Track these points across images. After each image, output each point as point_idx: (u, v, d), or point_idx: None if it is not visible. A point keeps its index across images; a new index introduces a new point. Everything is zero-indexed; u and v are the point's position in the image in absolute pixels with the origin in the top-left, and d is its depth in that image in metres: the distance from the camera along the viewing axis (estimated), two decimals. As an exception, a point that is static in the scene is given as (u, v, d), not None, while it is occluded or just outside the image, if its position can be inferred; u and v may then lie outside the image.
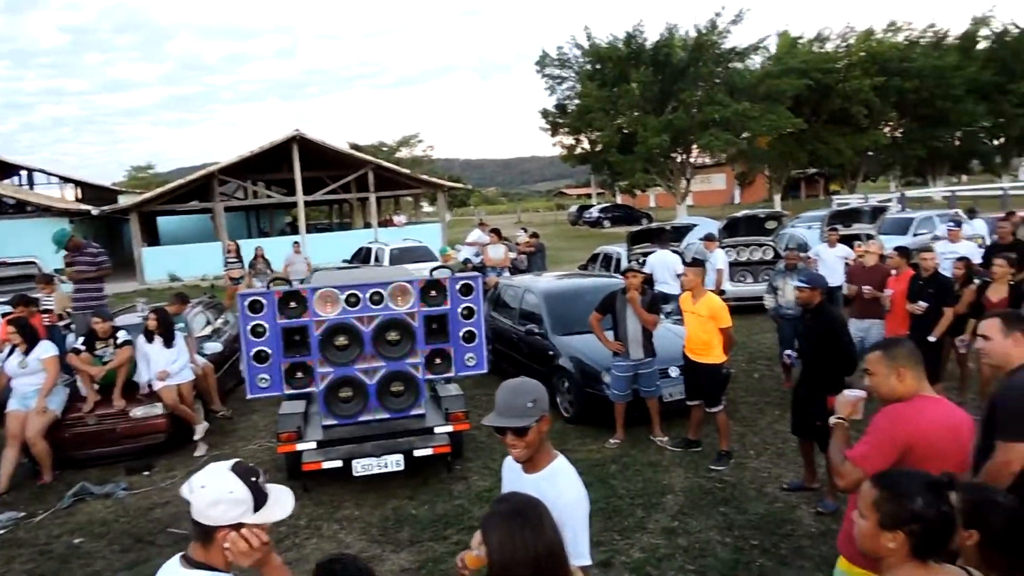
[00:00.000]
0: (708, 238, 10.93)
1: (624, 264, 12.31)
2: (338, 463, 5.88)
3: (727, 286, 12.00)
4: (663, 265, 10.48)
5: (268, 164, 27.01)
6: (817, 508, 5.35)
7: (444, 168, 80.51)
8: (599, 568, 4.69)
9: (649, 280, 10.83)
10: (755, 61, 33.91)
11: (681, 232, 12.92)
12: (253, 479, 1.86)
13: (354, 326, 6.00)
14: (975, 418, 2.94)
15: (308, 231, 27.97)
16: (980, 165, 47.42)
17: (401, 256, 15.65)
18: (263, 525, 1.85)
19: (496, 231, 12.30)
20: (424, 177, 29.69)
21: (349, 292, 5.99)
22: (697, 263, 6.59)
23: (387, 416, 6.21)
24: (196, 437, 7.44)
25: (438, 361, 6.33)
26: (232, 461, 1.92)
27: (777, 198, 39.40)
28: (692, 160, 34.59)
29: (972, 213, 14.02)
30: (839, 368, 5.15)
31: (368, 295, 6.01)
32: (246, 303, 5.89)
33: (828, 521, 5.14)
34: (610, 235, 31.19)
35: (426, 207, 46.97)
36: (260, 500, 1.85)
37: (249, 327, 5.90)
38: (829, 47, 38.05)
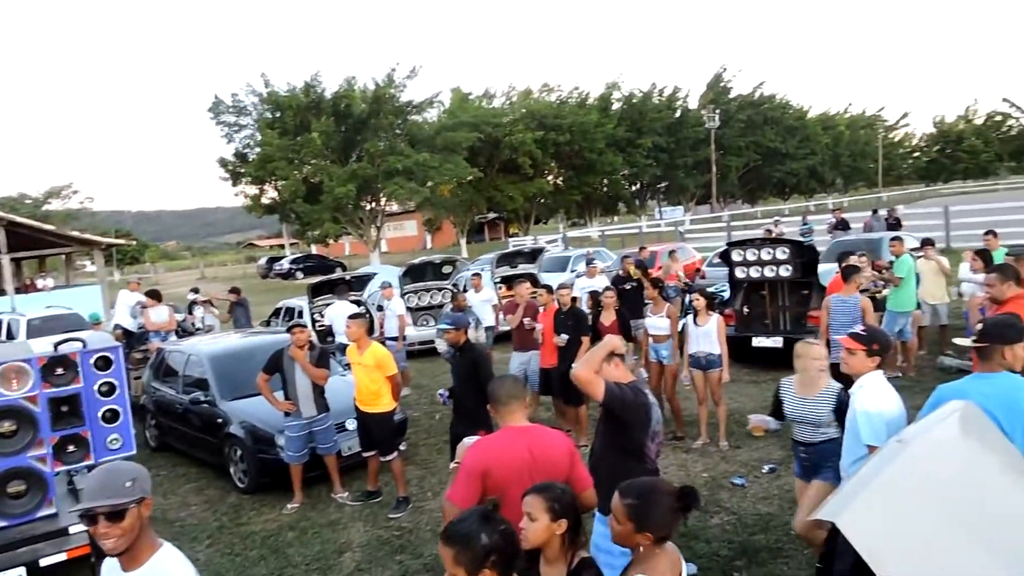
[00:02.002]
0: (385, 286, 11.17)
1: (307, 317, 12.03)
2: (-71, 593, 4.75)
3: (409, 331, 12.41)
4: (342, 316, 10.39)
5: None
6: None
7: (111, 221, 71.75)
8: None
9: (330, 331, 10.76)
10: (431, 114, 36.10)
11: (363, 282, 13.02)
12: None
13: (-52, 420, 4.94)
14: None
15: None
16: (625, 207, 55.95)
17: (43, 327, 13.35)
18: None
19: (154, 292, 11.15)
20: (73, 234, 25.88)
21: (-60, 380, 4.93)
22: (360, 316, 6.69)
23: (3, 524, 5.18)
24: None
25: (72, 448, 5.47)
26: None
27: (463, 242, 42.05)
28: (381, 208, 35.38)
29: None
30: (484, 402, 5.56)
31: (-33, 381, 5.00)
32: None
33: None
34: (302, 287, 30.32)
35: (89, 266, 41.18)
36: None
37: None
38: (496, 103, 42.11)
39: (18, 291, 24.05)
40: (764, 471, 6.44)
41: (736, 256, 10.11)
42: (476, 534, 2.11)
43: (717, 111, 47.22)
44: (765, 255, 9.84)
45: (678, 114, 50.91)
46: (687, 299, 11.34)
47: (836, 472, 3.95)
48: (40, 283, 27.62)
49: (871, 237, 14.89)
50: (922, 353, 9.64)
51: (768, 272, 9.85)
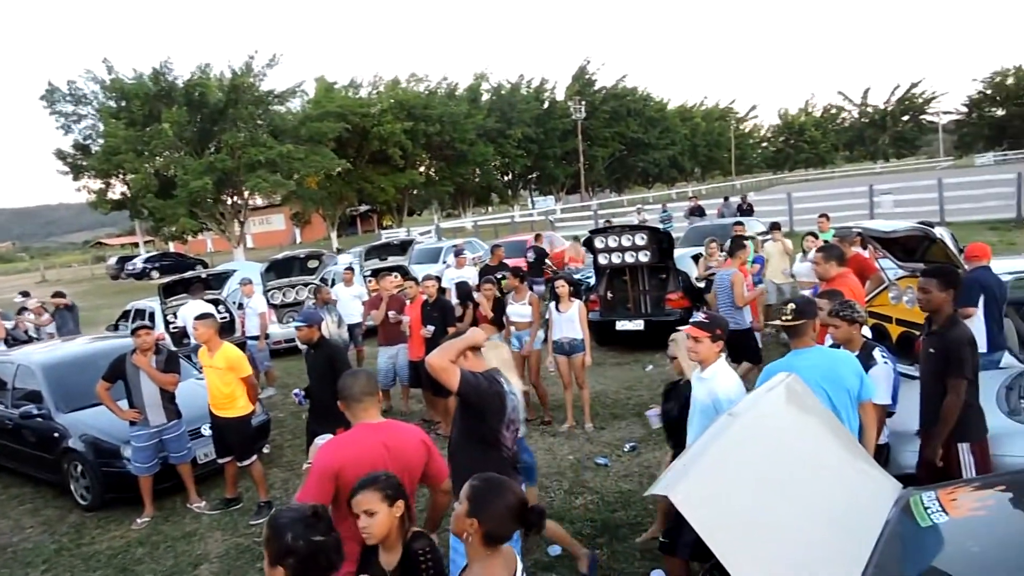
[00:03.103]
0: (244, 283, 10.66)
1: (159, 319, 11.28)
2: None
3: (274, 329, 11.93)
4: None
5: None
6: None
7: (-71, 220, 63.97)
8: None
9: (185, 333, 10.13)
10: (295, 104, 34.76)
11: (221, 279, 12.35)
12: None
13: None
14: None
15: None
16: (497, 197, 56.55)
17: None
18: None
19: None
20: None
21: None
22: (207, 316, 6.34)
23: None
24: None
25: None
26: None
27: (334, 235, 40.90)
28: (245, 202, 33.71)
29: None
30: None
31: None
32: None
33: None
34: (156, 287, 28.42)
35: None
36: None
37: None
38: (363, 93, 41.14)
39: None
40: (626, 450, 6.70)
41: (599, 243, 10.44)
42: (285, 530, 2.08)
43: (583, 103, 48.59)
44: (625, 242, 10.22)
45: (546, 105, 52.05)
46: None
47: None
48: None
49: (723, 223, 15.86)
50: (768, 331, 10.37)
51: (628, 258, 10.24)
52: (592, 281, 11.25)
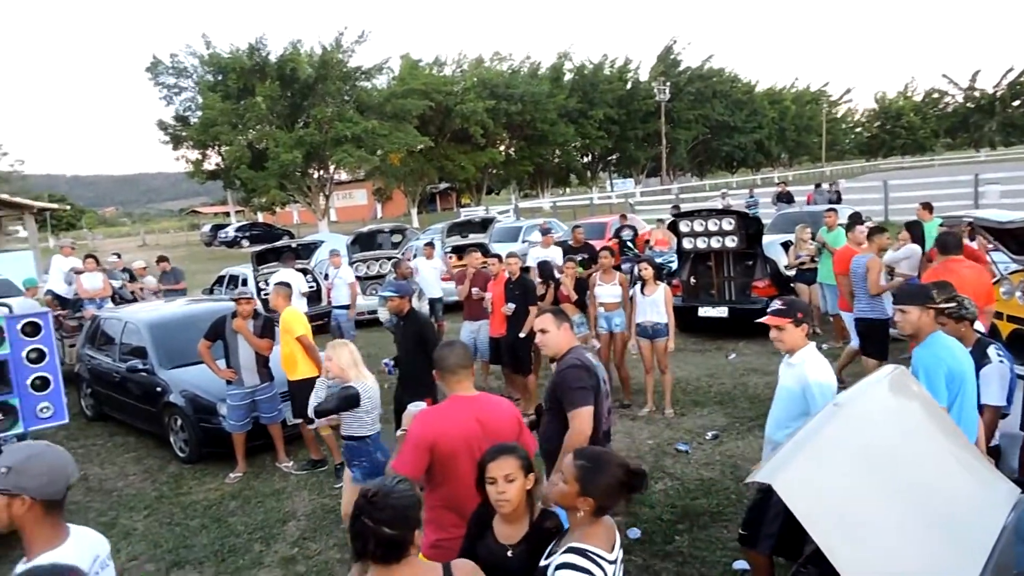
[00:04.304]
0: (333, 254, 10.97)
1: (251, 285, 11.76)
2: None
3: (358, 300, 12.24)
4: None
5: None
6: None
7: (43, 185, 68.69)
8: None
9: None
10: (381, 81, 35.27)
11: (310, 250, 12.77)
12: None
13: None
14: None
15: None
16: (576, 178, 56.11)
17: (-31, 293, 12.77)
18: None
19: (93, 257, 10.74)
20: (3, 197, 24.68)
21: None
22: (280, 284, 6.74)
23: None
24: None
25: (-1, 417, 5.28)
26: None
27: (414, 212, 41.56)
28: (330, 176, 34.63)
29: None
30: (429, 370, 5.54)
31: None
32: None
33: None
34: (248, 255, 29.64)
35: (21, 231, 39.44)
36: None
37: None
38: (447, 71, 41.37)
39: (-58, 257, 22.90)
40: (708, 438, 6.58)
41: (684, 227, 10.23)
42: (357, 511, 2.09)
43: (667, 84, 47.45)
44: (712, 226, 9.98)
45: (629, 86, 51.01)
46: (635, 269, 11.49)
47: None
48: (-35, 248, 26.18)
49: (813, 210, 15.26)
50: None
51: (714, 243, 10.00)
52: (675, 265, 11.05)
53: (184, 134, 33.06)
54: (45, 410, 5.48)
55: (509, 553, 2.59)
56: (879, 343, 6.91)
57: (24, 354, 5.34)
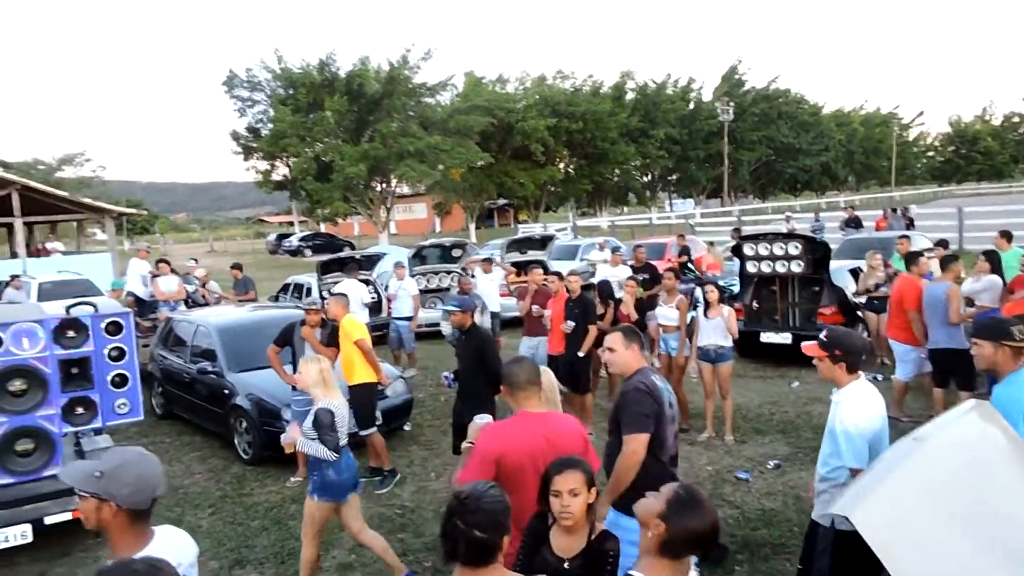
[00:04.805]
0: (398, 266, 11.15)
1: (315, 294, 12.05)
2: (-63, 546, 4.80)
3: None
4: (351, 295, 10.44)
5: None
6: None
7: (122, 191, 71.88)
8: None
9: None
10: (445, 97, 35.91)
11: (372, 261, 13.02)
12: None
13: (-40, 378, 4.97)
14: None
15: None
16: (635, 198, 55.81)
17: (53, 291, 13.45)
18: None
19: (165, 261, 11.19)
20: (86, 201, 25.95)
21: (-48, 338, 4.96)
22: (338, 294, 6.92)
23: (11, 481, 5.23)
24: None
25: (80, 411, 5.51)
26: None
27: (472, 227, 42.00)
28: (392, 190, 35.33)
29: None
30: (489, 385, 5.60)
31: (-21, 340, 5.03)
32: None
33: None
34: (310, 264, 30.42)
35: (100, 235, 41.41)
36: None
37: None
38: (509, 88, 41.87)
39: (30, 255, 24.23)
40: (769, 467, 6.42)
41: (748, 250, 10.06)
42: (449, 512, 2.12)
43: (731, 104, 46.90)
44: (777, 250, 9.78)
45: (691, 106, 50.64)
46: (696, 291, 11.31)
47: None
48: (50, 247, 27.67)
49: (884, 236, 14.80)
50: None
51: (779, 267, 9.80)
52: (736, 289, 10.86)
53: (255, 145, 34.28)
54: (123, 406, 5.70)
55: (567, 565, 2.60)
56: (964, 374, 6.60)
57: (106, 351, 5.57)
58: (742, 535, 5.17)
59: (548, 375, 4.07)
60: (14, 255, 24.96)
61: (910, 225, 18.41)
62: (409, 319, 10.50)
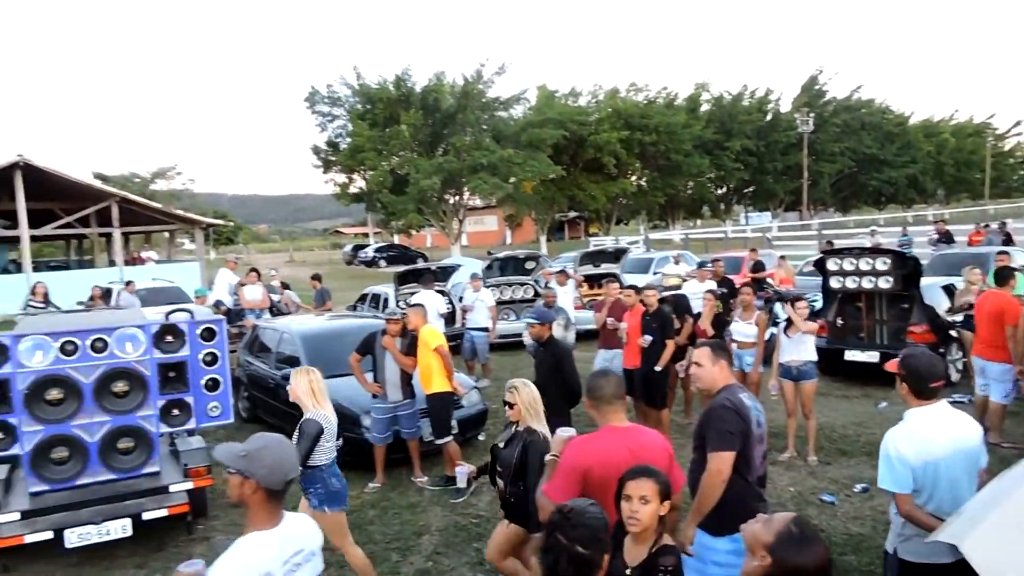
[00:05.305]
0: (474, 277, 11.28)
1: (392, 304, 12.32)
2: (47, 534, 5.12)
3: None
4: (427, 305, 10.62)
5: (-17, 194, 23.31)
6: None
7: (208, 203, 75.26)
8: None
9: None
10: (517, 111, 36.21)
11: (447, 272, 13.23)
12: None
13: (70, 377, 5.31)
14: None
15: (39, 269, 24.46)
16: (709, 211, 54.75)
17: (148, 298, 14.19)
18: None
19: (255, 271, 11.68)
20: (178, 212, 27.42)
21: (65, 339, 5.30)
22: (416, 305, 7.12)
23: (113, 477, 5.54)
24: None
25: (176, 412, 5.80)
26: None
27: (543, 239, 42.07)
28: (464, 202, 35.81)
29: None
30: (566, 397, 5.60)
31: (88, 342, 5.36)
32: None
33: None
34: (385, 275, 31.11)
35: (187, 244, 43.54)
36: None
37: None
38: (582, 102, 41.83)
39: (126, 263, 25.70)
40: (856, 490, 6.17)
41: (832, 265, 9.74)
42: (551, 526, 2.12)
43: (811, 115, 45.52)
44: (864, 265, 9.43)
45: (769, 117, 49.37)
46: (775, 307, 10.99)
47: None
48: (145, 256, 29.23)
49: (978, 251, 14.06)
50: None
51: (866, 283, 9.44)
52: (817, 304, 10.51)
53: (334, 159, 35.36)
54: (214, 409, 5.97)
55: (628, 572, 2.61)
56: None
57: (200, 356, 5.85)
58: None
59: (530, 388, 4.14)
60: (112, 263, 26.53)
61: (1008, 240, 17.40)
62: (485, 330, 10.60)
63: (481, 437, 8.12)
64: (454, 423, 7.05)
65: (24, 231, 23.05)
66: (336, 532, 4.62)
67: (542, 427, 4.08)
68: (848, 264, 9.56)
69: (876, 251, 9.84)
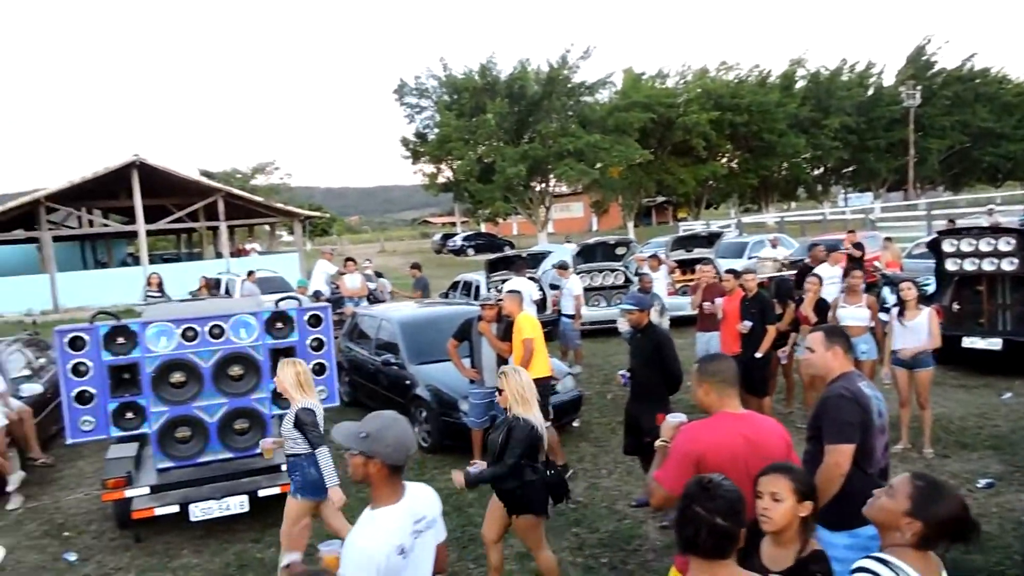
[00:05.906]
0: (561, 266, 11.24)
1: (483, 291, 12.46)
2: (174, 508, 5.48)
3: (582, 311, 12.46)
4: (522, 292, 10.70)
5: (104, 191, 25.06)
6: (662, 522, 5.58)
7: (304, 196, 78.21)
8: (454, 599, 4.64)
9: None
10: (603, 95, 35.75)
11: (537, 259, 13.25)
12: None
13: (191, 361, 5.65)
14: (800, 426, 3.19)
15: (154, 261, 26.18)
16: (805, 192, 52.48)
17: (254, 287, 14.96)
18: None
19: (351, 260, 12.07)
20: (279, 206, 28.66)
21: (186, 326, 5.64)
22: (513, 291, 7.05)
23: (230, 455, 5.87)
24: (9, 488, 6.71)
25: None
26: None
27: (630, 225, 41.50)
28: (550, 189, 35.75)
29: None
30: (666, 385, 5.50)
31: (207, 328, 5.68)
32: (65, 340, 5.41)
33: (671, 534, 5.38)
34: (474, 263, 31.48)
35: (285, 236, 45.45)
36: None
37: (69, 365, 5.42)
38: (669, 83, 40.88)
39: (232, 255, 27.12)
40: (979, 485, 5.81)
41: (948, 247, 9.16)
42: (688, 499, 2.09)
43: (917, 88, 42.81)
44: (984, 246, 8.82)
45: (870, 92, 46.74)
46: (884, 291, 10.45)
47: None
48: (249, 248, 30.75)
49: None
50: None
51: (987, 265, 8.83)
52: (930, 288, 9.92)
53: (422, 149, 36.02)
54: (321, 392, 6.20)
55: None
56: None
57: (308, 342, 6.11)
58: (952, 559, 4.68)
59: (520, 375, 4.24)
60: (219, 255, 28.04)
61: None
62: (572, 317, 10.57)
63: (576, 424, 8.12)
64: (550, 409, 7.07)
65: (141, 226, 24.66)
66: (289, 520, 4.68)
67: (527, 414, 4.19)
68: (966, 245, 8.97)
69: (998, 230, 9.17)
